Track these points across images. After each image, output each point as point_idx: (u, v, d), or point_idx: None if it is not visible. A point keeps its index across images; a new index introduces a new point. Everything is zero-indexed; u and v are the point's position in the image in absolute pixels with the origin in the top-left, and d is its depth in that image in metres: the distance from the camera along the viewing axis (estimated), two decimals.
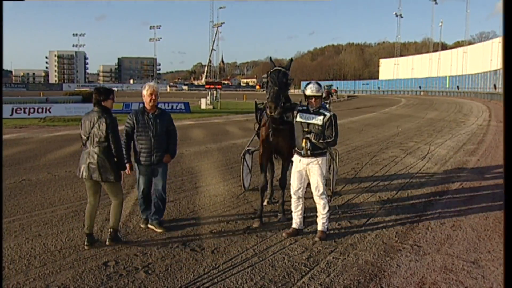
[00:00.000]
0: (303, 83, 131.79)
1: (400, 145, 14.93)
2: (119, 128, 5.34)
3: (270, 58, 6.35)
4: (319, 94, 5.67)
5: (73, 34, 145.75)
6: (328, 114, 5.66)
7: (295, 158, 5.76)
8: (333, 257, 5.06)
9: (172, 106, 32.44)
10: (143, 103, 5.93)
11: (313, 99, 5.65)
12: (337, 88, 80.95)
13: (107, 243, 5.34)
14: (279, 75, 5.71)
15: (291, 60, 6.38)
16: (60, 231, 5.85)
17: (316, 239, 5.59)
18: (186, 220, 6.40)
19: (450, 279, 4.57)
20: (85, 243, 5.29)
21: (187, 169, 10.41)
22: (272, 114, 5.58)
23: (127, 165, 5.57)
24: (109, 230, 5.42)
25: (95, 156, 5.19)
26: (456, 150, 13.80)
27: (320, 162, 5.60)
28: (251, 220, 6.41)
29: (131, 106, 28.85)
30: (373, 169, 10.56)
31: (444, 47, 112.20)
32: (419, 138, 17.20)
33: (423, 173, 10.12)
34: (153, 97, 5.79)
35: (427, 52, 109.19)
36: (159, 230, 5.88)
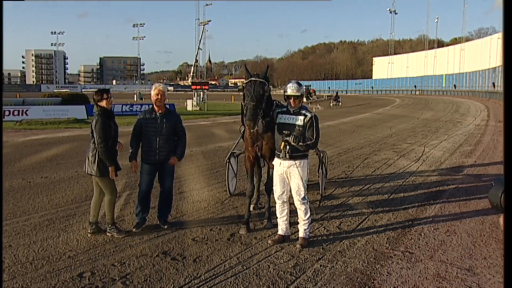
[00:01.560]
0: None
1: (393, 147, 15.01)
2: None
3: (245, 65, 6.34)
4: (299, 93, 5.66)
5: (52, 32, 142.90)
6: (309, 115, 5.66)
7: (276, 161, 5.74)
8: (320, 265, 5.04)
9: None
10: (152, 104, 6.31)
11: (293, 99, 5.65)
12: (315, 88, 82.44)
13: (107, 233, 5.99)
14: (255, 87, 5.61)
15: (268, 67, 6.39)
16: (33, 241, 5.77)
17: (298, 246, 5.57)
18: (168, 227, 6.33)
19: (443, 287, 4.57)
20: (88, 230, 6.02)
21: None
22: (252, 131, 5.63)
23: (133, 162, 6.15)
24: (107, 223, 6.03)
25: (89, 152, 5.84)
26: (452, 152, 13.91)
27: (300, 165, 5.58)
28: (236, 226, 6.39)
29: (114, 108, 28.68)
30: (365, 172, 10.60)
31: (441, 44, 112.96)
32: (413, 139, 17.31)
33: (416, 176, 10.16)
34: (159, 96, 6.12)
35: (423, 49, 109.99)
36: (164, 227, 6.32)
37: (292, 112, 5.67)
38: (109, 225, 5.99)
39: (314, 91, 65.95)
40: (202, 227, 6.41)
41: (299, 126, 5.56)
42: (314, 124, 5.62)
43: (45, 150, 14.10)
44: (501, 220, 1.74)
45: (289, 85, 5.70)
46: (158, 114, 6.14)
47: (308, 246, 5.61)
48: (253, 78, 5.69)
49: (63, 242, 5.74)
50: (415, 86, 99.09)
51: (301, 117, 5.61)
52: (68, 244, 5.64)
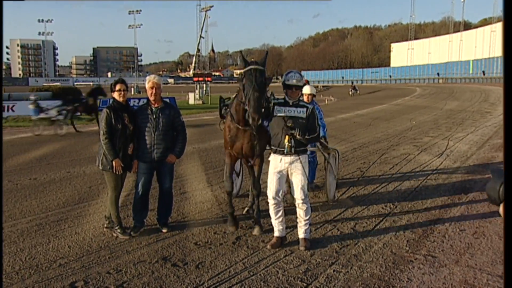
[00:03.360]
0: (303, 73, 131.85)
1: (414, 141, 14.96)
2: None
3: (241, 52, 6.20)
4: (301, 84, 5.70)
5: (39, 20, 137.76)
6: (310, 106, 5.70)
7: (274, 158, 5.71)
8: (334, 270, 5.03)
9: None
10: (147, 98, 6.35)
11: (294, 90, 5.65)
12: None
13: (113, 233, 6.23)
14: (257, 76, 5.43)
15: (267, 53, 6.27)
16: (20, 248, 5.77)
17: (302, 248, 5.59)
18: (168, 231, 6.35)
19: None
20: (104, 225, 6.38)
21: None
22: (255, 124, 5.39)
23: (134, 162, 6.23)
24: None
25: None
26: (480, 145, 13.83)
27: (303, 160, 5.62)
28: (242, 229, 6.40)
29: (109, 103, 28.66)
30: (382, 168, 10.58)
31: (468, 26, 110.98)
32: (435, 132, 17.25)
33: (439, 172, 10.13)
34: (154, 90, 6.12)
35: (447, 33, 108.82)
36: (164, 230, 6.37)
37: (291, 104, 5.66)
38: (116, 225, 6.16)
39: (308, 82, 68.09)
40: (205, 230, 6.43)
41: (302, 118, 5.56)
42: (316, 116, 5.66)
43: (34, 149, 14.18)
44: (501, 210, 1.78)
45: (291, 74, 5.69)
46: (154, 108, 6.17)
47: (321, 249, 5.61)
48: (252, 66, 5.51)
49: (54, 249, 5.74)
50: (438, 74, 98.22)
51: (303, 109, 5.62)
52: (59, 251, 5.65)
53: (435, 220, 6.79)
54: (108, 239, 6.06)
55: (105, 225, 6.34)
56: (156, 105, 6.17)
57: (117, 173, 5.97)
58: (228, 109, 6.42)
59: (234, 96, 6.30)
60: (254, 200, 6.50)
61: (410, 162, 11.32)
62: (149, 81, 6.19)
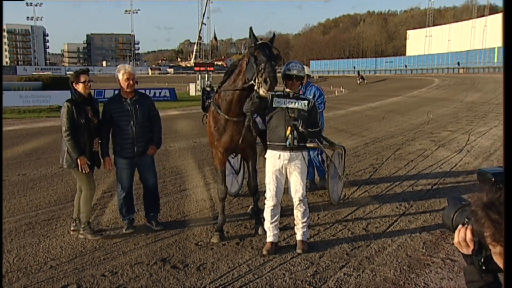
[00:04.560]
0: (312, 63, 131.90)
1: (431, 136, 14.93)
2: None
3: (251, 28, 6.03)
4: (302, 74, 5.69)
5: (27, 4, 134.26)
6: (311, 99, 5.71)
7: (272, 154, 5.60)
8: (344, 274, 5.02)
9: (155, 93, 32.40)
10: (119, 89, 6.30)
11: (295, 80, 5.62)
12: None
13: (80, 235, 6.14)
14: (269, 49, 5.43)
15: (274, 34, 6.22)
16: (7, 249, 5.76)
17: (299, 251, 5.57)
18: (168, 230, 6.38)
19: None
20: (71, 229, 6.31)
21: (170, 168, 10.44)
22: (267, 92, 5.24)
23: (106, 158, 6.24)
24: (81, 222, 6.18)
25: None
26: None
27: (304, 157, 5.58)
28: (246, 229, 6.44)
29: (105, 94, 28.75)
30: (396, 165, 10.57)
31: (493, 10, 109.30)
32: (455, 126, 17.19)
33: (459, 169, 10.11)
34: (131, 81, 6.11)
35: (469, 18, 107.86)
36: (156, 228, 6.39)
37: (291, 96, 5.63)
38: (83, 225, 6.08)
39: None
40: (207, 230, 6.44)
41: (303, 111, 5.53)
42: (316, 109, 5.67)
43: (23, 143, 14.27)
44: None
45: (292, 64, 5.67)
46: (129, 100, 6.15)
47: (330, 250, 5.62)
48: (262, 41, 5.52)
49: (44, 249, 5.75)
50: (458, 63, 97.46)
51: (305, 102, 5.60)
52: (50, 252, 5.66)
53: None
54: (103, 240, 6.07)
55: (71, 228, 6.26)
56: (131, 97, 6.18)
57: (84, 172, 5.92)
58: (211, 95, 6.36)
59: (218, 86, 6.21)
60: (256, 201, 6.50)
61: (426, 158, 11.30)
62: (125, 71, 6.12)
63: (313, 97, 6.99)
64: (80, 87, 5.92)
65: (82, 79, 5.90)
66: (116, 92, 6.44)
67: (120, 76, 6.12)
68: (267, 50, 5.36)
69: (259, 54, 5.32)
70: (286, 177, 5.66)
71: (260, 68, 5.24)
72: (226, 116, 5.84)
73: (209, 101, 6.53)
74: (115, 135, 6.19)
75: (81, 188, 6.11)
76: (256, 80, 5.25)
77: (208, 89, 7.03)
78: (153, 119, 6.36)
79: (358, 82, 67.43)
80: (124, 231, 6.27)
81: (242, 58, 5.81)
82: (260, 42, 5.49)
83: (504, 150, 1.36)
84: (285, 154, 5.49)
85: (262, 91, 5.20)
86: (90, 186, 6.07)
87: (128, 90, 6.12)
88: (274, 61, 5.37)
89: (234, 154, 7.88)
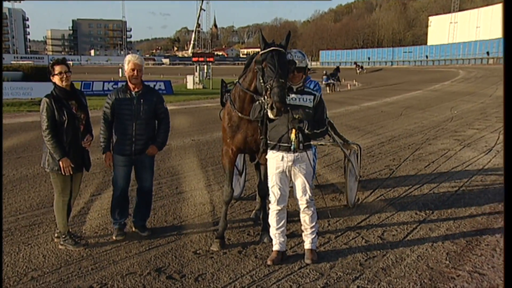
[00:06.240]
0: (322, 53, 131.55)
1: (455, 134, 14.91)
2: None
3: (260, 31, 5.84)
4: (304, 65, 5.59)
5: None
6: (317, 94, 5.59)
7: (275, 155, 5.54)
8: (358, 286, 5.01)
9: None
10: (126, 81, 6.31)
11: (296, 72, 5.49)
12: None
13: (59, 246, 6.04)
14: (281, 60, 5.19)
15: (289, 34, 5.70)
16: None
17: (308, 261, 5.55)
18: (163, 237, 6.39)
19: None
20: (55, 237, 6.22)
21: (166, 169, 10.47)
22: (276, 117, 5.10)
23: (106, 153, 6.23)
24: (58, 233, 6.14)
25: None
26: None
27: (309, 157, 5.54)
28: (249, 236, 6.44)
29: (93, 86, 28.71)
30: (416, 166, 10.57)
31: None
32: (483, 124, 17.18)
33: (487, 172, 10.08)
34: (136, 72, 6.11)
35: (501, 1, 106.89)
36: (144, 234, 6.44)
37: (295, 90, 5.55)
38: (62, 235, 6.03)
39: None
40: (206, 236, 6.44)
41: (309, 108, 5.47)
42: (323, 105, 5.60)
43: (1, 140, 14.20)
44: None
45: (292, 54, 5.55)
46: (133, 93, 6.17)
47: (342, 260, 5.60)
48: (274, 47, 5.27)
49: (25, 259, 5.71)
50: (487, 53, 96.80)
51: (310, 97, 5.52)
52: (32, 262, 5.62)
53: (482, 229, 6.73)
54: (91, 247, 6.06)
55: (55, 235, 6.21)
56: (136, 90, 6.18)
57: (66, 174, 5.82)
58: (229, 94, 6.32)
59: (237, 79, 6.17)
60: (264, 205, 6.45)
61: (450, 159, 11.30)
62: (129, 61, 6.13)
63: None
64: (56, 80, 5.79)
65: (56, 71, 5.76)
66: (123, 84, 6.43)
67: (125, 66, 6.19)
68: (276, 62, 5.13)
69: (267, 67, 5.15)
70: (291, 178, 5.64)
71: (267, 87, 5.06)
72: (239, 114, 5.83)
73: (227, 94, 6.54)
74: (114, 128, 6.24)
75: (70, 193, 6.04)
76: (265, 97, 5.10)
77: (227, 81, 7.07)
78: (160, 116, 6.35)
79: (358, 72, 76.73)
80: (114, 237, 6.28)
81: (253, 60, 5.58)
82: (269, 49, 5.26)
83: (504, 150, 1.37)
84: (289, 156, 5.44)
85: (270, 114, 5.07)
86: (64, 192, 5.94)
87: (132, 82, 6.13)
88: (285, 74, 5.18)
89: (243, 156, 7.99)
